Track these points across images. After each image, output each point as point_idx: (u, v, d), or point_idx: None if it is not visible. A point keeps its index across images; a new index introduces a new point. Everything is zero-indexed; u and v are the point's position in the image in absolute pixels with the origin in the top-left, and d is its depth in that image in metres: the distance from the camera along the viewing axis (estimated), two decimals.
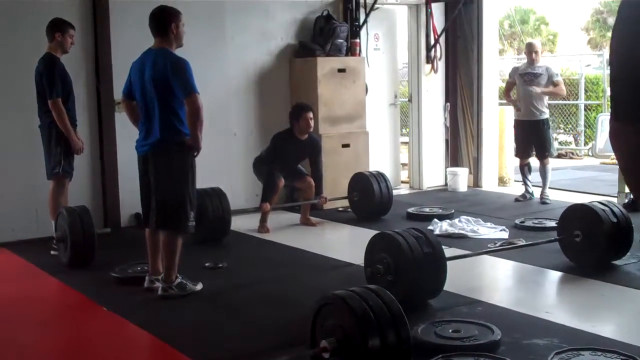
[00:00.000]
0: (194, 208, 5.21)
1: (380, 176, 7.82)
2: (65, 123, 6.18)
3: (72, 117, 6.31)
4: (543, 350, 3.96)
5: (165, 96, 5.00)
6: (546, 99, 8.47)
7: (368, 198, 7.71)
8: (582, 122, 13.93)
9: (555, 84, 8.38)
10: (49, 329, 4.81)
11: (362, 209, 7.83)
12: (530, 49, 8.57)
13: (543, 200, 8.41)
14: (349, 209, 8.06)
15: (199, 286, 5.29)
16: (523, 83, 8.40)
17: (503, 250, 6.12)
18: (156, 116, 5.03)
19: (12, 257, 6.49)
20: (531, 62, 8.47)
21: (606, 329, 4.41)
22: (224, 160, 8.18)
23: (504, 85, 13.55)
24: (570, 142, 14.27)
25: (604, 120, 13.01)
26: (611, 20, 28.61)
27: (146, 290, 5.29)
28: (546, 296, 5.37)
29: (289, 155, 7.34)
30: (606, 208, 5.62)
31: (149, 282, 5.35)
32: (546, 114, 8.47)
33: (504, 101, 9.38)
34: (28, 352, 4.34)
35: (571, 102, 14.18)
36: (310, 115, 7.29)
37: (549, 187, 8.58)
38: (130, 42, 6.59)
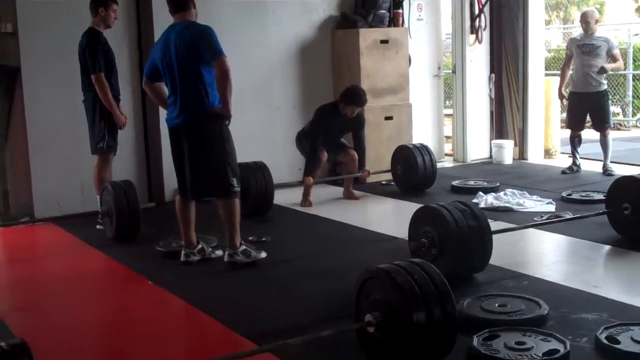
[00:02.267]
0: (237, 175, 5.21)
1: (423, 149, 7.74)
2: (109, 97, 6.20)
3: (115, 91, 6.34)
4: (591, 325, 3.89)
5: (193, 66, 5.00)
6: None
7: (411, 171, 7.64)
8: (630, 93, 13.59)
9: (614, 58, 8.19)
10: (95, 301, 4.89)
11: (405, 182, 7.76)
12: (581, 19, 8.41)
13: (608, 172, 8.16)
14: (392, 182, 8.00)
15: (263, 254, 5.28)
16: (581, 54, 8.19)
17: (550, 223, 5.99)
18: (185, 89, 5.04)
19: (58, 232, 6.58)
20: (585, 31, 8.27)
21: None
22: (267, 134, 8.17)
23: (549, 55, 13.36)
24: (618, 113, 13.97)
25: None
26: None
27: (184, 264, 5.32)
28: (594, 270, 5.24)
29: (332, 129, 7.28)
30: None
31: (184, 256, 5.36)
32: (605, 85, 8.30)
33: (551, 72, 9.16)
34: (75, 323, 4.40)
35: (619, 72, 13.84)
36: (359, 110, 7.18)
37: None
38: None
